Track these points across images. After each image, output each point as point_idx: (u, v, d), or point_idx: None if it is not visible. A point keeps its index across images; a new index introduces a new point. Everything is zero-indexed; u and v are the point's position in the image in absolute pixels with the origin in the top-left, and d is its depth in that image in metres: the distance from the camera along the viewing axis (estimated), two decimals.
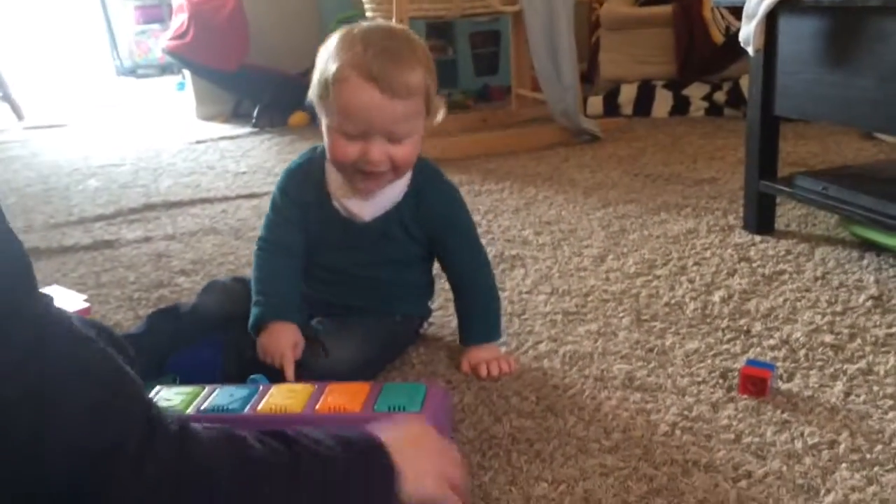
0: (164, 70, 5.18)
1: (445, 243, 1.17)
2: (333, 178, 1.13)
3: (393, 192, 1.12)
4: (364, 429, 0.75)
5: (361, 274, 1.17)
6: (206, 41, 3.14)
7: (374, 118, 1.01)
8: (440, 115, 1.10)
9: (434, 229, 1.15)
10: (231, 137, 3.08)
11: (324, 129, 1.06)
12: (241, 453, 0.64)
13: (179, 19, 3.20)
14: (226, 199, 2.19)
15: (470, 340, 1.17)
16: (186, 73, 3.61)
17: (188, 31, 3.15)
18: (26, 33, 5.31)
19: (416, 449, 0.75)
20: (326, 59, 1.03)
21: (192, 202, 2.16)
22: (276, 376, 1.04)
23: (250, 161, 2.64)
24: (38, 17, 5.36)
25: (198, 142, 3.02)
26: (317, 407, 0.92)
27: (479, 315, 1.19)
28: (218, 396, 0.96)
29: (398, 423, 0.79)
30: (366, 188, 1.10)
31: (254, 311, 1.12)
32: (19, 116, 3.89)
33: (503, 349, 1.20)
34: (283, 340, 1.07)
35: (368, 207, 1.13)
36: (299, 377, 1.04)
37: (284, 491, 0.64)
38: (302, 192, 1.15)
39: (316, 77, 1.05)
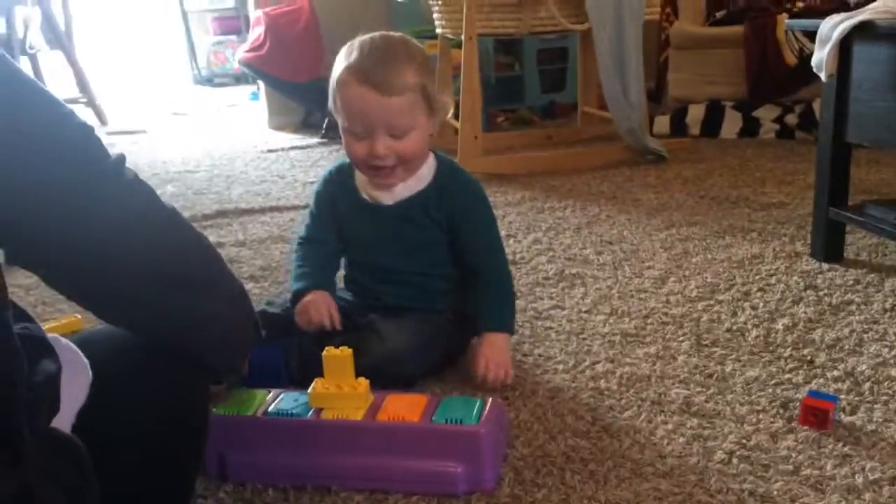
0: (238, 80, 5.34)
1: (462, 230, 1.21)
2: (360, 176, 1.23)
3: (416, 183, 1.21)
4: None
5: (396, 267, 1.22)
6: (281, 53, 3.24)
7: (372, 115, 1.11)
8: (448, 113, 1.21)
9: (454, 215, 1.21)
10: (301, 147, 3.16)
11: (340, 131, 1.17)
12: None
13: (257, 32, 3.30)
14: (294, 207, 2.25)
15: (481, 325, 1.20)
16: (260, 83, 3.72)
17: (264, 43, 3.25)
18: (111, 43, 5.55)
19: None
20: (334, 70, 1.14)
21: (263, 210, 2.23)
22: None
23: (319, 171, 2.70)
24: (123, 27, 5.60)
25: (269, 151, 3.11)
26: (376, 415, 0.95)
27: (490, 303, 1.22)
28: (283, 401, 0.99)
29: None
30: (381, 183, 1.19)
31: (292, 287, 1.23)
32: (103, 122, 4.07)
33: (559, 367, 1.22)
34: (322, 303, 1.18)
35: (392, 195, 1.21)
36: (357, 365, 1.01)
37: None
38: (332, 190, 1.26)
39: (330, 87, 1.15)
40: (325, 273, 1.25)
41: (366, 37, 1.15)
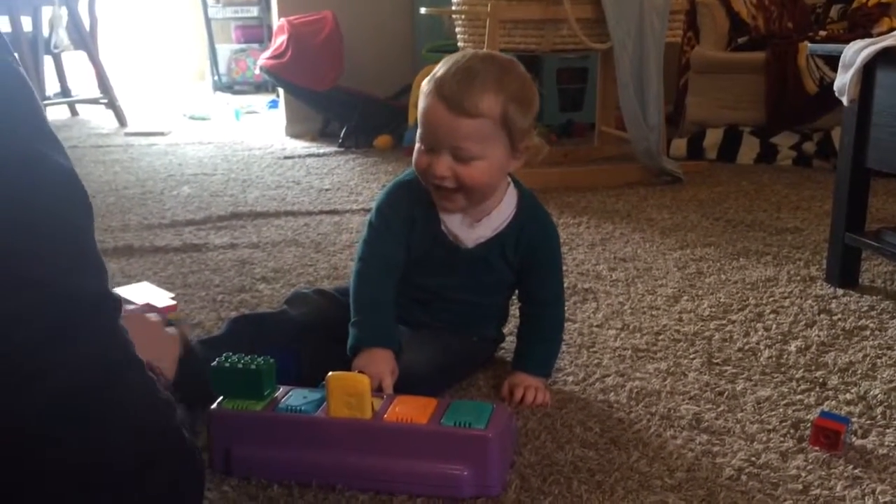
0: (258, 88, 5.38)
1: (533, 273, 1.20)
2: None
3: (497, 221, 1.16)
4: None
5: (450, 297, 1.20)
6: (302, 61, 3.26)
7: (440, 132, 1.07)
8: (540, 157, 1.14)
9: (529, 260, 1.18)
10: (317, 155, 3.18)
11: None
12: None
13: (279, 39, 3.33)
14: (309, 213, 2.26)
15: (524, 367, 1.18)
16: (280, 91, 3.74)
17: (286, 51, 3.28)
18: (135, 46, 5.62)
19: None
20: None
21: (277, 214, 2.24)
22: None
23: (334, 179, 2.71)
24: (147, 31, 5.67)
25: (286, 157, 3.13)
26: (385, 416, 0.95)
27: (542, 347, 1.21)
28: (292, 397, 0.99)
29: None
30: (443, 206, 1.14)
31: (352, 332, 1.13)
32: (123, 123, 4.11)
33: (569, 379, 1.21)
34: (382, 366, 1.08)
35: (472, 233, 1.16)
36: None
37: None
38: (410, 207, 1.16)
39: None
40: (387, 317, 1.14)
41: (470, 51, 1.12)
